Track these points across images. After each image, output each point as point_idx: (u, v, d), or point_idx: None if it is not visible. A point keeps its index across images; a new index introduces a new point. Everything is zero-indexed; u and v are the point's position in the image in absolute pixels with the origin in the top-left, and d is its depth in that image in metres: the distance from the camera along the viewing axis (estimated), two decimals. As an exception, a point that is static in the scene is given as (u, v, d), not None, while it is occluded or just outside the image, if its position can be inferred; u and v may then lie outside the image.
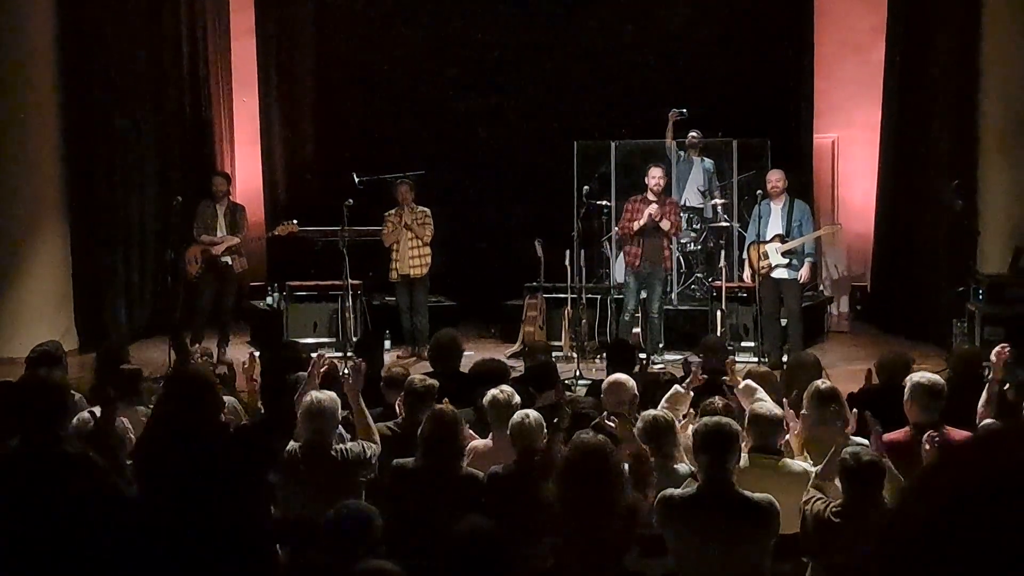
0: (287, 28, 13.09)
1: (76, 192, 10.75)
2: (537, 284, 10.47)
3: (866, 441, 5.05)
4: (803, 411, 5.30)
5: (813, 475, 4.56)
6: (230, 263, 10.04)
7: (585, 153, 11.84)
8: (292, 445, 5.03)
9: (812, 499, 4.36)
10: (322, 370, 5.53)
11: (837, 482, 4.38)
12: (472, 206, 12.43)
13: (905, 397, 5.28)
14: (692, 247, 11.05)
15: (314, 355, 5.89)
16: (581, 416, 5.75)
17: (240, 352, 9.48)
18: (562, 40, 12.57)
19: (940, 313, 10.22)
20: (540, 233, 10.44)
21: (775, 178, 9.58)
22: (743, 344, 10.04)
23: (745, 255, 9.86)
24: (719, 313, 10.03)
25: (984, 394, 5.57)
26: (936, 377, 5.35)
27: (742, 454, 4.66)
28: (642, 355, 9.64)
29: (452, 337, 7.35)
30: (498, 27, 12.62)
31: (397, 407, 5.83)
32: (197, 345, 8.70)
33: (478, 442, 5.44)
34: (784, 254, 9.39)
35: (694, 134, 11.20)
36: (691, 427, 4.93)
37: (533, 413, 4.99)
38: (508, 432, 4.95)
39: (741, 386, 5.74)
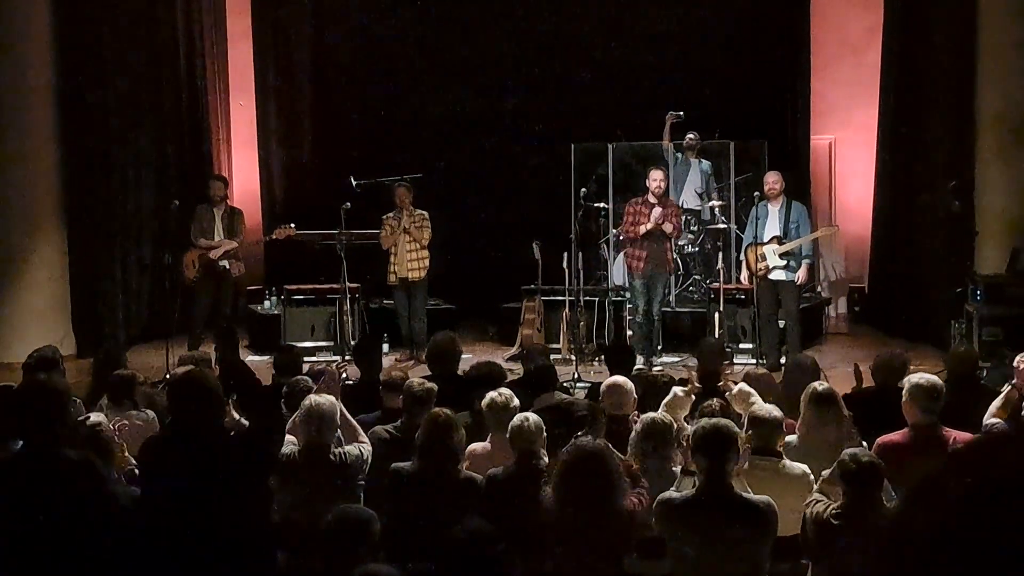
0: (284, 31, 13.08)
1: (73, 197, 10.74)
2: (535, 286, 10.47)
3: (865, 443, 5.06)
4: (801, 409, 5.30)
5: (820, 479, 4.55)
6: (228, 267, 10.04)
7: (583, 155, 11.85)
8: (291, 448, 5.04)
9: (813, 502, 4.36)
10: (340, 384, 5.50)
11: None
12: (470, 209, 12.43)
13: (903, 398, 5.28)
14: (690, 249, 11.06)
15: (332, 366, 5.85)
16: (578, 418, 5.75)
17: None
18: (560, 42, 12.58)
19: (938, 314, 10.22)
20: (538, 235, 10.44)
21: (772, 180, 9.58)
22: (741, 346, 10.04)
23: (743, 257, 9.86)
24: (716, 315, 10.03)
25: (1001, 397, 5.53)
26: (934, 378, 5.35)
27: (741, 456, 4.66)
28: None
29: (450, 340, 7.34)
30: (495, 30, 12.64)
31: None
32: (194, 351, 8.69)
33: (476, 445, 5.44)
34: (782, 256, 9.40)
35: (691, 136, 11.21)
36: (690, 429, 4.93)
37: (533, 416, 4.99)
38: (507, 435, 4.95)
39: (735, 391, 5.73)
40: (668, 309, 10.25)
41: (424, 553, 4.15)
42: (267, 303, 11.41)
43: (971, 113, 10.23)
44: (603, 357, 8.81)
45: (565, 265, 10.04)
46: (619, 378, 5.97)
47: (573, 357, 9.53)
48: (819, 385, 5.42)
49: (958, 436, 5.10)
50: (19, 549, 4.02)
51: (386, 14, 12.89)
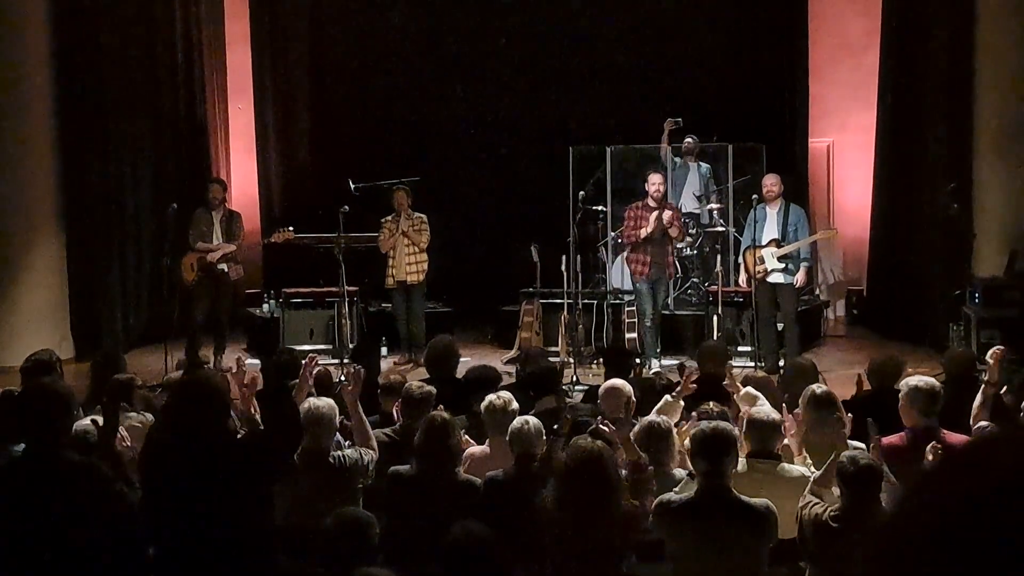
0: (282, 34, 13.09)
1: (71, 200, 10.74)
2: (533, 290, 10.47)
3: (863, 445, 5.05)
4: (798, 411, 5.30)
5: (811, 481, 4.56)
6: (226, 270, 10.03)
7: (581, 158, 11.86)
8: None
9: (809, 504, 4.36)
10: (314, 372, 5.53)
11: (835, 489, 4.38)
12: (468, 212, 12.44)
13: (901, 401, 5.28)
14: (688, 252, 11.06)
15: (306, 358, 5.88)
16: (579, 422, 5.75)
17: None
18: (558, 45, 12.58)
19: (936, 317, 10.23)
20: (536, 238, 10.44)
21: (770, 182, 9.58)
22: (739, 349, 10.04)
23: (741, 260, 9.86)
24: (715, 318, 10.04)
25: (979, 396, 5.57)
26: (932, 380, 5.35)
27: (740, 459, 4.66)
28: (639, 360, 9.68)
29: (448, 343, 7.35)
30: (494, 33, 12.65)
31: (395, 413, 5.83)
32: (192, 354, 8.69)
33: (475, 448, 5.44)
34: (780, 258, 9.40)
35: (689, 140, 11.22)
36: (689, 431, 4.93)
37: (533, 419, 4.99)
38: (507, 438, 4.95)
39: (742, 393, 5.73)
40: (667, 312, 10.25)
41: (423, 556, 4.15)
42: (265, 306, 11.41)
43: (969, 116, 10.24)
44: (601, 360, 8.81)
45: (563, 268, 10.03)
46: (617, 381, 5.97)
47: (571, 360, 9.53)
48: (818, 387, 5.43)
49: (956, 438, 5.10)
50: (20, 552, 4.01)
51: (384, 17, 12.90)
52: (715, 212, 11.11)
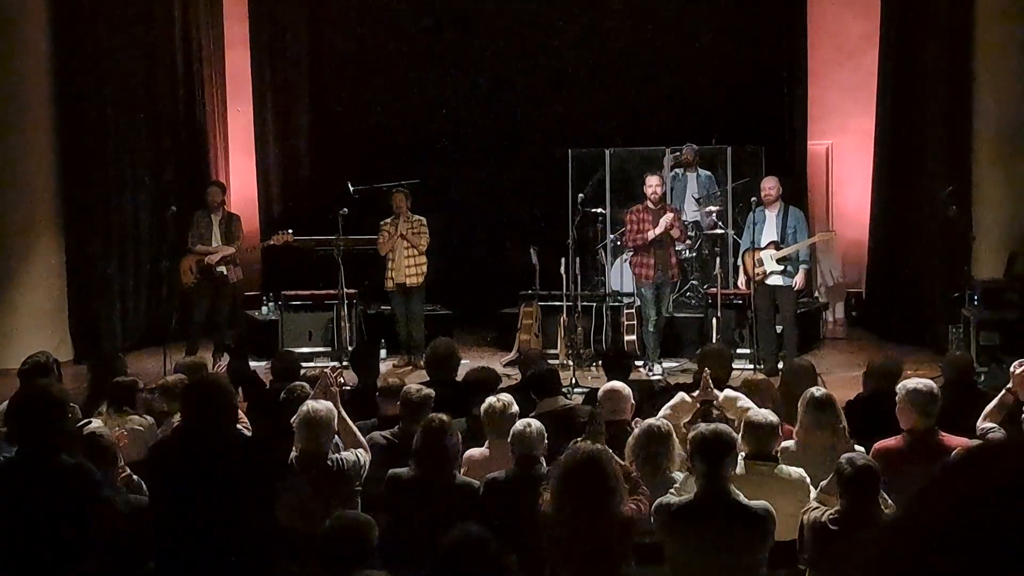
0: (281, 37, 13.10)
1: (70, 202, 10.75)
2: (533, 292, 10.47)
3: (863, 448, 5.05)
4: (798, 413, 5.30)
5: (819, 489, 4.55)
6: (225, 273, 10.03)
7: (580, 161, 11.86)
8: (289, 454, 5.03)
9: (810, 509, 4.37)
10: (333, 388, 5.44)
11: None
12: (467, 214, 12.44)
13: (898, 404, 5.28)
14: (687, 254, 11.06)
15: (326, 370, 5.79)
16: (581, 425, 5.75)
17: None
18: (558, 48, 12.59)
19: (935, 319, 10.23)
20: (535, 241, 10.44)
21: (769, 185, 9.58)
22: (738, 351, 10.03)
23: (740, 262, 9.86)
24: (714, 320, 10.04)
25: (995, 401, 5.52)
26: (930, 383, 5.34)
27: (738, 461, 4.66)
28: (638, 362, 9.67)
29: (449, 346, 7.35)
30: (492, 36, 12.65)
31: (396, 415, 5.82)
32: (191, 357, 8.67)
33: (475, 451, 5.44)
34: (779, 261, 9.40)
35: (688, 150, 11.24)
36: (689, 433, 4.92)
37: (535, 422, 4.99)
38: (508, 440, 4.95)
39: (721, 398, 5.72)
40: (666, 314, 10.24)
41: (421, 558, 4.15)
42: (265, 309, 11.41)
43: (968, 118, 10.25)
44: (601, 362, 8.81)
45: (563, 270, 10.04)
46: (617, 384, 5.97)
47: (571, 363, 9.53)
48: (816, 390, 5.42)
49: (955, 441, 5.09)
50: (14, 555, 4.01)
51: (384, 21, 12.91)
52: (714, 214, 11.11)
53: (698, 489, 4.33)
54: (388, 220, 10.34)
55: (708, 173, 11.42)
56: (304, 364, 7.89)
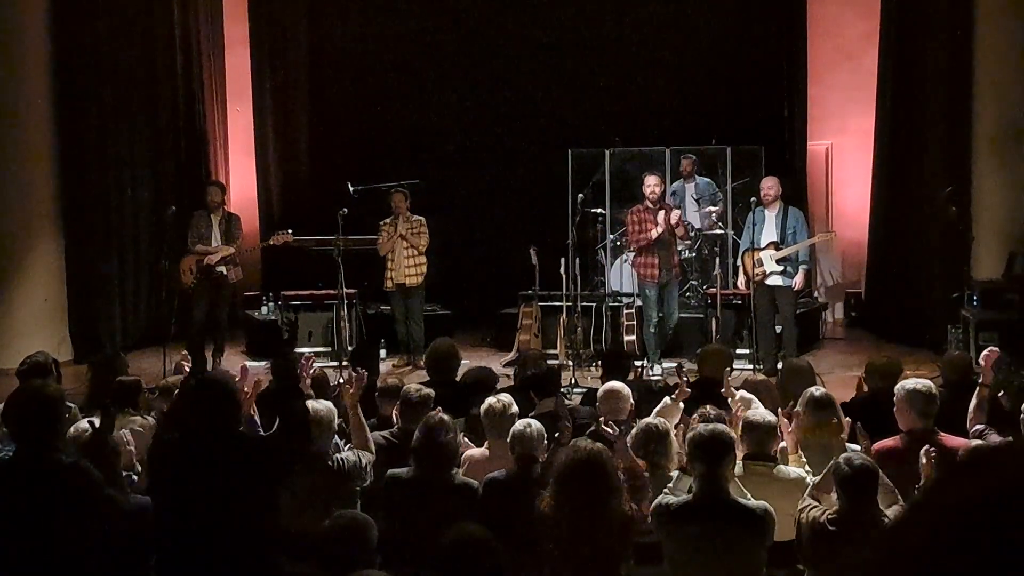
0: (281, 37, 13.11)
1: (70, 203, 10.75)
2: (532, 292, 10.47)
3: (858, 447, 5.06)
4: (797, 409, 5.30)
5: (810, 486, 4.56)
6: (225, 273, 10.03)
7: (580, 161, 11.87)
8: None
9: (807, 507, 4.37)
10: (312, 372, 5.51)
11: (834, 494, 4.38)
12: (467, 214, 12.45)
13: (897, 404, 5.28)
14: (687, 254, 11.07)
15: (304, 358, 5.86)
16: (580, 425, 5.76)
17: (235, 363, 9.48)
18: (557, 49, 12.60)
19: (935, 319, 10.23)
20: (535, 241, 10.44)
21: (768, 185, 9.58)
22: (738, 351, 10.03)
23: (739, 262, 9.86)
24: (714, 321, 10.04)
25: (974, 399, 5.56)
26: (928, 383, 5.35)
27: (737, 461, 4.67)
28: (638, 363, 9.68)
29: (449, 346, 7.35)
30: (492, 38, 12.66)
31: (394, 416, 5.83)
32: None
33: (474, 451, 5.44)
34: (779, 261, 9.40)
35: (687, 161, 11.24)
36: (687, 434, 4.93)
37: (535, 422, 4.99)
38: (508, 440, 4.95)
39: (737, 399, 5.73)
40: (676, 316, 10.22)
41: (421, 558, 4.15)
42: (264, 309, 11.42)
43: (968, 118, 10.26)
44: (600, 362, 8.82)
45: (562, 270, 10.04)
46: (616, 384, 5.98)
47: (570, 363, 9.54)
48: (816, 389, 5.43)
49: (954, 442, 5.10)
50: (11, 555, 4.01)
51: (383, 20, 12.91)
52: (713, 215, 11.12)
53: (697, 490, 4.34)
54: (387, 220, 10.34)
55: (707, 180, 11.42)
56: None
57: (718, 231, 11.08)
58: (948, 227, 9.90)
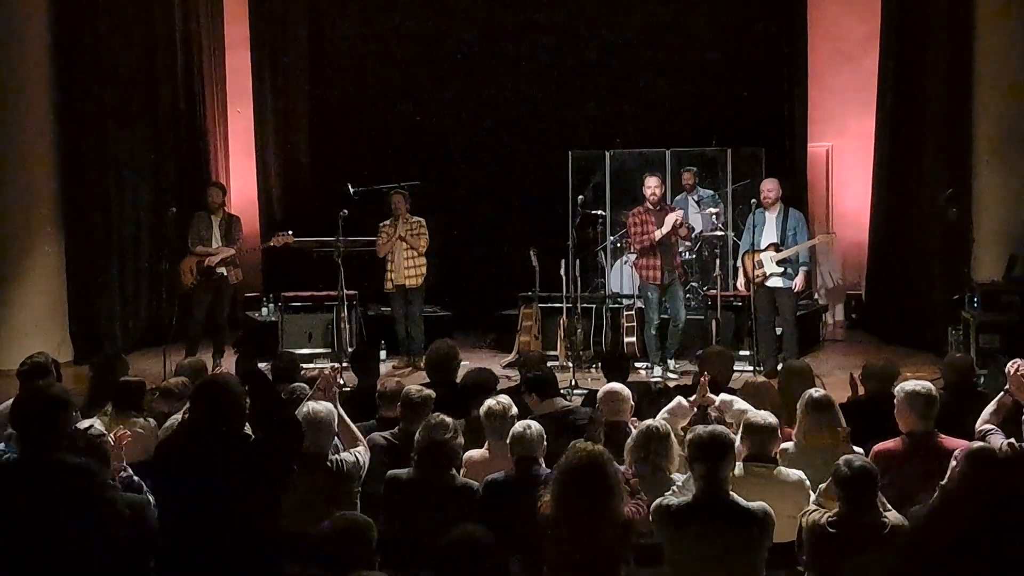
0: (281, 38, 13.11)
1: (70, 203, 10.75)
2: (532, 294, 10.47)
3: (861, 450, 5.05)
4: (797, 415, 5.30)
5: (817, 492, 4.55)
6: (225, 274, 10.03)
7: (580, 162, 11.87)
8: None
9: (809, 511, 4.37)
10: (333, 389, 5.40)
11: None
12: (467, 216, 12.46)
13: (897, 406, 5.27)
14: (687, 256, 11.07)
15: (325, 370, 5.75)
16: (579, 427, 5.75)
17: (234, 364, 9.48)
18: (557, 49, 12.60)
19: (935, 321, 10.23)
20: (535, 243, 10.44)
21: (769, 187, 9.57)
22: (738, 353, 10.03)
23: (740, 264, 9.86)
24: (714, 322, 10.04)
25: (993, 404, 5.50)
26: (928, 384, 5.33)
27: (737, 463, 4.66)
28: (639, 364, 9.68)
29: (449, 348, 7.34)
30: (493, 38, 12.66)
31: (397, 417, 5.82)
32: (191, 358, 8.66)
33: (474, 452, 5.44)
34: (779, 263, 9.40)
35: (688, 174, 11.24)
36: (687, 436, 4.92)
37: (535, 424, 4.99)
38: (508, 442, 4.95)
39: (717, 402, 5.71)
40: (665, 316, 10.26)
41: (421, 559, 4.15)
42: (265, 310, 11.42)
43: (968, 120, 10.25)
44: (600, 364, 8.81)
45: (563, 272, 10.04)
46: (616, 385, 5.97)
47: (570, 364, 9.53)
48: (815, 391, 5.42)
49: (954, 443, 5.09)
50: (14, 557, 4.01)
51: (384, 22, 12.93)
52: (714, 216, 11.12)
53: (696, 491, 4.33)
54: (387, 222, 10.34)
55: (711, 192, 11.39)
56: (304, 365, 7.89)
57: (719, 233, 11.08)
58: (948, 229, 9.90)
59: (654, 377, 9.39)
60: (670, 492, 4.54)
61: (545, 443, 4.93)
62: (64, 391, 4.59)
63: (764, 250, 9.43)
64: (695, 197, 11.36)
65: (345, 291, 10.03)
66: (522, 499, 4.53)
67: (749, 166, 11.60)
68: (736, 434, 4.87)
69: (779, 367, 8.83)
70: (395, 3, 12.97)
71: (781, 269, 9.41)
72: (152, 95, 11.80)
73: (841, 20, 12.40)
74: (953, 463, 4.39)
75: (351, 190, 10.84)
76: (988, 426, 5.38)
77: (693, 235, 10.93)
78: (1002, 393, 5.55)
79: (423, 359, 8.78)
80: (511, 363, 9.84)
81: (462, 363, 7.60)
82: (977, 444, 4.76)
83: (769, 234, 9.46)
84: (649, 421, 5.20)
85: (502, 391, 6.25)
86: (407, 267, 10.26)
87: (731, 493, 4.33)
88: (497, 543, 3.80)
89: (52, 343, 9.75)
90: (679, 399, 5.75)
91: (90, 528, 4.06)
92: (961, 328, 9.54)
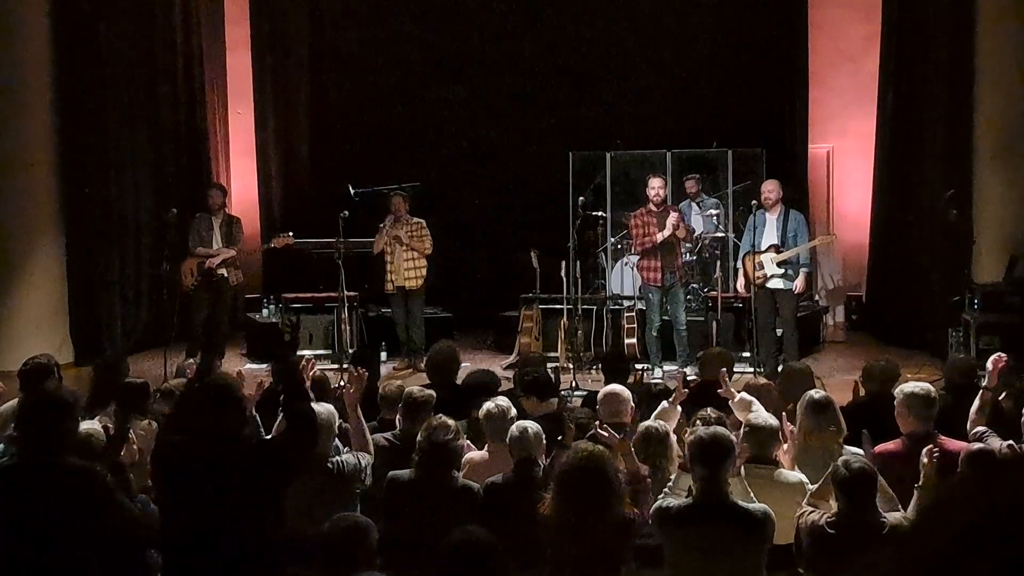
0: (282, 40, 13.11)
1: (71, 204, 10.75)
2: (533, 295, 10.48)
3: (860, 451, 5.05)
4: (797, 416, 5.30)
5: (809, 493, 4.55)
6: (226, 275, 10.03)
7: (580, 164, 11.87)
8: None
9: (806, 512, 4.37)
10: (311, 374, 5.49)
11: (832, 501, 4.38)
12: (468, 217, 12.46)
13: (897, 407, 5.27)
14: (687, 257, 11.06)
15: (304, 360, 5.81)
16: (579, 427, 5.75)
17: (234, 365, 9.49)
18: (557, 51, 12.61)
19: (936, 323, 10.23)
20: (536, 244, 10.45)
21: (769, 188, 9.57)
22: (738, 354, 10.02)
23: (740, 265, 9.86)
24: (715, 324, 10.04)
25: (976, 401, 5.55)
26: (928, 386, 5.34)
27: (738, 464, 4.66)
28: (640, 366, 9.67)
29: (450, 349, 7.35)
30: (493, 39, 12.67)
31: (397, 421, 5.82)
32: (192, 359, 8.67)
33: (474, 454, 5.44)
34: (779, 264, 9.39)
35: (691, 182, 11.23)
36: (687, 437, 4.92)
37: (534, 425, 4.99)
38: (507, 443, 4.96)
39: (736, 400, 5.73)
40: (666, 317, 10.26)
41: (421, 561, 4.15)
42: (265, 311, 11.42)
43: (969, 122, 10.25)
44: (600, 365, 8.81)
45: (563, 273, 10.04)
46: (616, 386, 5.98)
47: (571, 365, 9.53)
48: (815, 392, 5.43)
49: (954, 445, 5.09)
50: (17, 559, 4.01)
51: (385, 23, 12.93)
52: (715, 217, 11.12)
53: (697, 492, 4.33)
54: (386, 222, 10.34)
55: (715, 200, 11.36)
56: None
57: (719, 234, 11.08)
58: (949, 230, 9.89)
59: (654, 379, 9.39)
60: (666, 490, 4.54)
61: (544, 443, 4.94)
62: (72, 394, 4.59)
63: (765, 251, 9.42)
64: (698, 201, 11.35)
65: (345, 292, 10.03)
66: (522, 500, 4.53)
67: (750, 167, 11.60)
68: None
69: (780, 368, 8.84)
70: (395, 4, 12.98)
71: (782, 270, 9.41)
72: (152, 95, 11.80)
73: (842, 21, 12.40)
74: (923, 461, 4.46)
75: (351, 191, 10.84)
76: (981, 428, 5.39)
77: (693, 236, 10.94)
78: (981, 390, 5.58)
79: (424, 360, 8.78)
80: (511, 364, 9.84)
81: (462, 365, 7.60)
82: (977, 446, 4.78)
83: (770, 235, 9.46)
84: (648, 422, 5.22)
85: (502, 392, 6.26)
86: (407, 269, 10.26)
87: (735, 492, 4.34)
88: (498, 544, 3.80)
89: (53, 344, 9.75)
90: (663, 402, 5.78)
91: (95, 532, 4.06)
92: (961, 329, 9.54)
